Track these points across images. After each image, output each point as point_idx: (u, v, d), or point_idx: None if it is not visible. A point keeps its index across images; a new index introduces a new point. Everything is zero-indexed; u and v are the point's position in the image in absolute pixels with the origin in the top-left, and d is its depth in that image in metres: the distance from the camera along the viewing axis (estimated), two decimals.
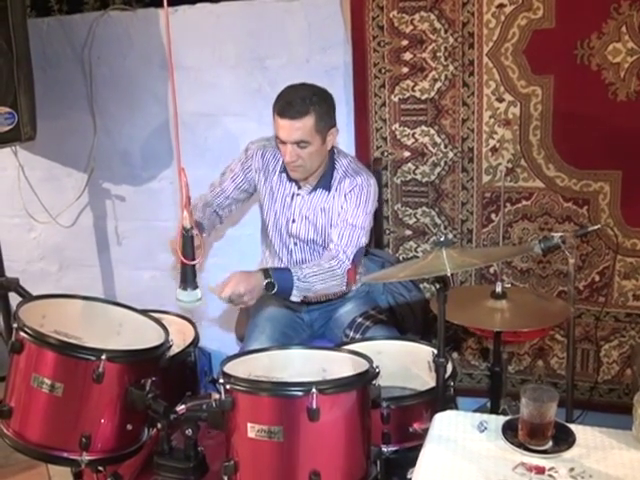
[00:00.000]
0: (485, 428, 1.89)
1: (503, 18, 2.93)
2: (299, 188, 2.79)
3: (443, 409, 2.04)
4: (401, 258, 3.35)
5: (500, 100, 3.04)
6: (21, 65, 3.15)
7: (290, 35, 3.31)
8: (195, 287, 2.18)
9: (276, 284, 2.48)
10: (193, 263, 2.16)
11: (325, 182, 2.75)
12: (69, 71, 3.69)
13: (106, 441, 2.13)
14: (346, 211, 2.70)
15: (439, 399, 2.12)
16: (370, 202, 2.72)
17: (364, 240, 2.70)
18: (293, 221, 2.80)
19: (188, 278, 2.17)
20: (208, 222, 2.79)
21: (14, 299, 3.43)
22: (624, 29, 2.80)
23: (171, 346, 2.32)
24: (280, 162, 2.79)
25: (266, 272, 2.49)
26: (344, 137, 3.25)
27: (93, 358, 2.06)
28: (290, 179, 2.78)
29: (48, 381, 2.06)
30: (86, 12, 3.69)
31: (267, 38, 3.34)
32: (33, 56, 3.25)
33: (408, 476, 2.16)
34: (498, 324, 2.39)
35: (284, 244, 2.86)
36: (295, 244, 2.84)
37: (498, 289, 2.39)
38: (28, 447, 2.10)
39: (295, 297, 2.55)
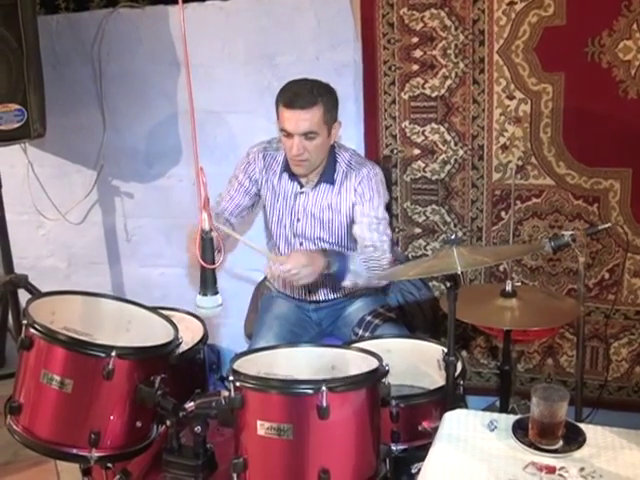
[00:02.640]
0: (495, 427, 1.89)
1: (514, 15, 2.92)
2: (302, 186, 2.79)
3: (453, 408, 2.03)
4: (410, 256, 3.34)
5: (510, 98, 3.03)
6: (31, 62, 3.16)
7: (300, 32, 3.31)
8: (215, 292, 2.07)
9: (336, 263, 2.54)
10: (213, 267, 2.06)
11: (328, 176, 2.76)
12: (79, 68, 3.70)
13: (115, 438, 2.12)
14: (362, 205, 2.73)
15: (449, 398, 2.12)
16: (382, 190, 2.77)
17: (389, 231, 2.77)
18: (298, 220, 2.80)
19: (208, 283, 2.06)
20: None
21: (23, 296, 3.45)
22: (635, 26, 2.79)
23: (180, 343, 2.32)
24: (281, 163, 2.80)
25: (324, 251, 2.58)
26: (353, 134, 3.25)
27: (103, 355, 2.06)
28: (292, 178, 2.78)
29: (58, 377, 2.06)
30: (92, 10, 3.69)
31: (277, 35, 3.34)
32: (43, 53, 3.27)
33: (412, 471, 2.17)
34: (508, 323, 2.38)
35: (289, 245, 2.85)
36: (301, 244, 2.84)
37: (508, 287, 2.39)
38: (37, 443, 2.10)
39: (348, 281, 2.61)
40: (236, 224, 2.90)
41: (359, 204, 2.73)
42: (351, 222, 2.79)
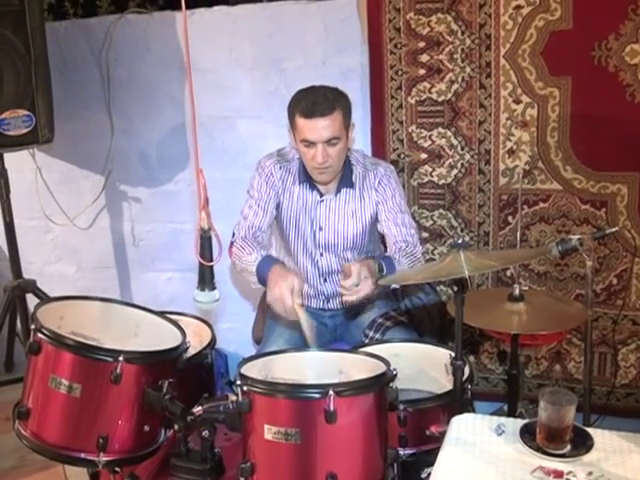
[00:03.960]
0: (503, 431, 1.88)
1: (520, 19, 2.93)
2: (321, 195, 2.78)
3: (460, 412, 2.03)
4: None
5: (517, 102, 3.03)
6: (39, 68, 3.17)
7: (307, 37, 3.31)
8: (213, 288, 2.17)
9: (385, 269, 2.56)
10: (211, 264, 2.14)
11: (347, 180, 2.76)
12: (87, 74, 3.71)
13: (123, 442, 2.13)
14: (385, 203, 2.76)
15: (456, 402, 2.12)
16: (400, 185, 2.83)
17: (414, 222, 2.81)
18: (320, 229, 2.79)
19: (206, 279, 2.16)
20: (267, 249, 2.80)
21: (31, 300, 3.46)
22: None
23: (188, 348, 2.32)
24: (296, 174, 2.78)
25: (373, 258, 2.61)
26: (360, 139, 3.25)
27: (111, 359, 2.06)
28: (312, 188, 2.76)
29: (66, 382, 2.06)
30: (100, 16, 3.71)
31: (284, 40, 3.35)
32: (51, 59, 3.28)
33: (422, 476, 2.16)
34: (515, 327, 2.38)
35: (309, 256, 2.84)
36: (321, 254, 2.83)
37: (515, 292, 2.39)
38: (46, 448, 2.10)
39: (397, 285, 2.70)
40: (267, 238, 2.88)
41: (382, 203, 2.76)
42: (373, 224, 2.81)
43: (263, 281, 2.59)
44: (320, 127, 2.53)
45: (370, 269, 2.49)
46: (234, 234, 2.84)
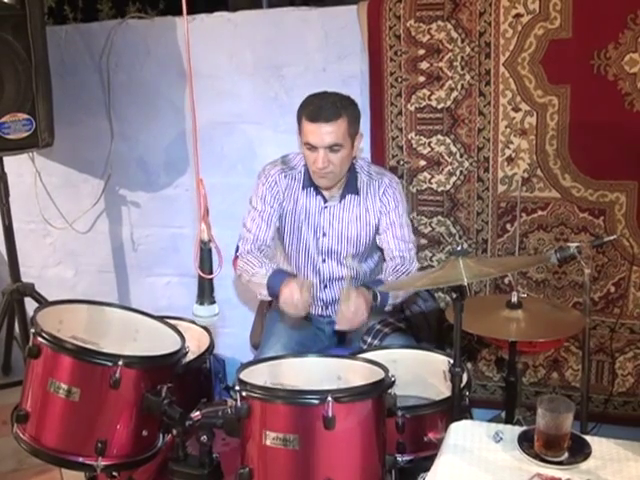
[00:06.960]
0: (501, 438, 1.89)
1: (520, 28, 2.93)
2: (325, 201, 2.78)
3: (458, 419, 2.04)
4: None
5: (516, 110, 3.03)
6: (39, 72, 3.18)
7: (307, 44, 3.32)
8: (212, 302, 2.11)
9: (378, 296, 2.59)
10: (211, 277, 2.10)
11: (351, 187, 2.77)
12: (87, 78, 3.71)
13: (122, 447, 2.13)
14: (388, 214, 2.77)
15: (455, 408, 2.12)
16: (404, 197, 2.84)
17: (413, 236, 2.83)
18: (324, 235, 2.79)
19: (205, 293, 2.11)
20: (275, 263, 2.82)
21: (30, 304, 3.47)
22: None
23: (187, 353, 2.33)
24: (301, 180, 2.79)
25: (366, 286, 2.62)
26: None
27: (110, 364, 2.07)
28: (316, 193, 2.77)
29: (65, 386, 2.07)
30: (101, 21, 3.71)
31: (284, 47, 3.36)
32: (51, 63, 3.29)
33: None
34: (513, 334, 2.38)
35: (311, 263, 2.84)
36: (324, 261, 2.83)
37: (514, 299, 2.39)
38: (44, 451, 2.11)
39: (389, 307, 2.68)
40: (272, 248, 2.90)
41: (384, 213, 2.77)
42: (376, 232, 2.81)
43: (275, 294, 2.61)
44: (323, 132, 2.55)
45: (367, 302, 2.54)
46: (238, 248, 2.84)
